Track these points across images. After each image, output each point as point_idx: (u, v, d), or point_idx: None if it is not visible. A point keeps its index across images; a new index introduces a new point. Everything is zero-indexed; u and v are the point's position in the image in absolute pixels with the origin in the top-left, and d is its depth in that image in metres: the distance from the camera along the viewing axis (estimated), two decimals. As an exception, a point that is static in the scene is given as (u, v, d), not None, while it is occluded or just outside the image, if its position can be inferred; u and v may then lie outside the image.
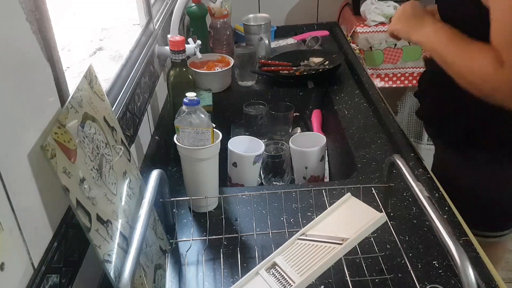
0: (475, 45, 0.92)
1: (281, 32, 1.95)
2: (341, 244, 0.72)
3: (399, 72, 1.98)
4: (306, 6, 1.95)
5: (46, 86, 0.65)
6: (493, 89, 0.90)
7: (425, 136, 2.23)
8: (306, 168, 1.17)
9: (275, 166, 1.19)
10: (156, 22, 1.32)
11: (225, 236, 0.91)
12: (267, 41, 1.70)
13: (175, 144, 0.94)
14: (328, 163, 1.32)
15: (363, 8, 1.97)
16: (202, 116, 0.91)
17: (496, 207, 1.13)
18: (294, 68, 1.61)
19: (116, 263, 0.65)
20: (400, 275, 0.82)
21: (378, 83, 1.96)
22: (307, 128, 1.50)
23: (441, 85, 1.07)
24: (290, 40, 1.90)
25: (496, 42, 0.87)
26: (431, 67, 1.17)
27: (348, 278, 0.79)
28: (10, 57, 0.55)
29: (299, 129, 1.48)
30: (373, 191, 0.95)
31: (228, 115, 1.53)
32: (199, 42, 1.33)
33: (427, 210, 0.70)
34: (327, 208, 0.84)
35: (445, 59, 0.98)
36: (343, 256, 0.74)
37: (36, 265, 0.58)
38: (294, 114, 1.44)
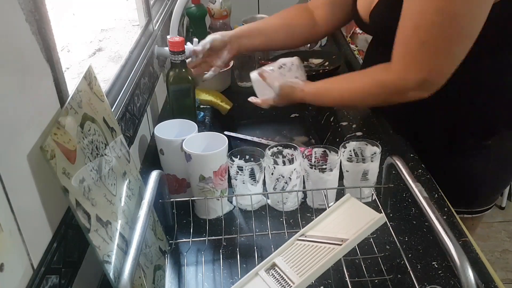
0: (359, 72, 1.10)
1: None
2: (340, 244, 0.73)
3: (398, 73, 1.97)
4: (306, 7, 1.95)
5: (45, 86, 0.65)
6: (396, 89, 0.98)
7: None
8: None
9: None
10: (155, 23, 1.32)
11: (225, 236, 0.91)
12: (266, 42, 1.70)
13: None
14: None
15: (362, 8, 1.97)
16: None
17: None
18: (294, 69, 1.61)
19: (116, 264, 0.65)
20: (399, 275, 0.82)
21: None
22: (306, 129, 1.50)
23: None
24: None
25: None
26: None
27: (347, 278, 0.78)
28: (10, 58, 0.56)
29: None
30: (373, 192, 0.95)
31: (228, 115, 1.53)
32: (198, 42, 1.33)
33: (426, 210, 0.70)
34: (326, 209, 0.85)
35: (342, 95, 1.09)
36: (343, 256, 0.74)
37: (35, 266, 0.58)
38: (294, 115, 1.44)
